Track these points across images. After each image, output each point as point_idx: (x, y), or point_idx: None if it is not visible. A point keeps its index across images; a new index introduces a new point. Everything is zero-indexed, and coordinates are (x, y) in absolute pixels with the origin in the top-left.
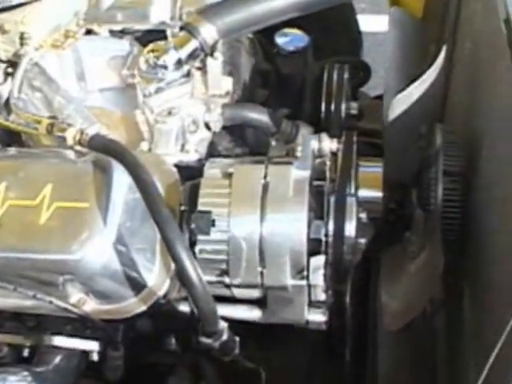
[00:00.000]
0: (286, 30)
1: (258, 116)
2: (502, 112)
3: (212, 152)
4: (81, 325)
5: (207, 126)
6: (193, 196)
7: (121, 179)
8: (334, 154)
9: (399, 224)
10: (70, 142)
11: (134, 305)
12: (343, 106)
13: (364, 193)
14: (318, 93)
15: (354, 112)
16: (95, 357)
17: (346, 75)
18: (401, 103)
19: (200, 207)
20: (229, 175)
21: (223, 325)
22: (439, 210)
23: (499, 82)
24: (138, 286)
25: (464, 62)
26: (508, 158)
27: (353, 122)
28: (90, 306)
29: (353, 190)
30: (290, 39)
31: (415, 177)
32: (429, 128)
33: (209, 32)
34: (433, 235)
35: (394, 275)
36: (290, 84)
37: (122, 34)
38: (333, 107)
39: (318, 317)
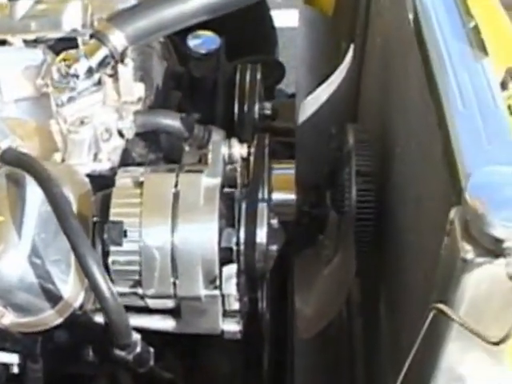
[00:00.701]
0: (199, 32)
1: (170, 122)
2: (414, 108)
3: (126, 159)
4: (0, 338)
5: (120, 134)
6: (105, 206)
7: (34, 192)
8: (244, 160)
9: (313, 227)
10: None
11: (51, 317)
12: (256, 107)
13: (277, 196)
14: (232, 94)
15: (267, 112)
16: (15, 369)
17: (258, 75)
18: (310, 105)
19: (112, 217)
20: (140, 184)
21: (136, 337)
22: (353, 211)
23: (410, 77)
24: (54, 297)
25: (375, 58)
26: (420, 157)
27: (267, 122)
28: (9, 319)
29: (265, 194)
30: (202, 41)
31: (328, 178)
32: (340, 128)
33: (118, 39)
34: (346, 238)
35: (307, 280)
36: (203, 87)
37: (35, 43)
38: (246, 108)
39: (232, 326)
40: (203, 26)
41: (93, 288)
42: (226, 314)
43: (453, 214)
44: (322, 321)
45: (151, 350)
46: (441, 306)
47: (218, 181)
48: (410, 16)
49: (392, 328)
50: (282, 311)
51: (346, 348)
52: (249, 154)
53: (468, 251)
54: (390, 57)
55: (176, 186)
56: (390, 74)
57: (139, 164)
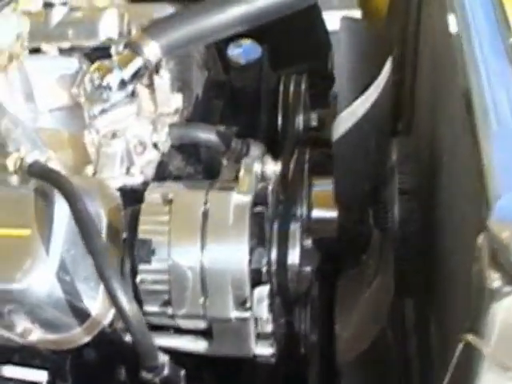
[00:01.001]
0: (240, 41)
1: (206, 135)
2: (457, 119)
3: (162, 172)
4: (29, 354)
5: (155, 147)
6: (133, 222)
7: (63, 207)
8: (282, 176)
9: (356, 245)
10: (11, 168)
11: (79, 334)
12: (301, 119)
13: (318, 213)
14: (276, 105)
15: (313, 123)
16: None
17: (303, 85)
18: (347, 119)
19: (140, 235)
20: (169, 201)
21: (164, 359)
22: (396, 230)
23: (454, 85)
24: (82, 315)
25: (427, 60)
26: (464, 172)
27: (312, 133)
28: (36, 335)
29: (304, 212)
30: (243, 50)
31: (370, 195)
32: (381, 142)
33: (152, 50)
34: (388, 257)
35: (348, 302)
36: (244, 97)
37: (70, 51)
38: (290, 120)
39: (265, 350)
40: (247, 31)
41: (117, 310)
42: (260, 336)
43: (481, 239)
44: (361, 343)
45: (182, 372)
46: (470, 336)
47: (248, 199)
48: (452, 25)
49: (441, 350)
50: (330, 332)
51: (394, 369)
52: (288, 169)
53: (495, 279)
54: (438, 62)
55: (205, 203)
56: (438, 78)
57: (176, 177)
